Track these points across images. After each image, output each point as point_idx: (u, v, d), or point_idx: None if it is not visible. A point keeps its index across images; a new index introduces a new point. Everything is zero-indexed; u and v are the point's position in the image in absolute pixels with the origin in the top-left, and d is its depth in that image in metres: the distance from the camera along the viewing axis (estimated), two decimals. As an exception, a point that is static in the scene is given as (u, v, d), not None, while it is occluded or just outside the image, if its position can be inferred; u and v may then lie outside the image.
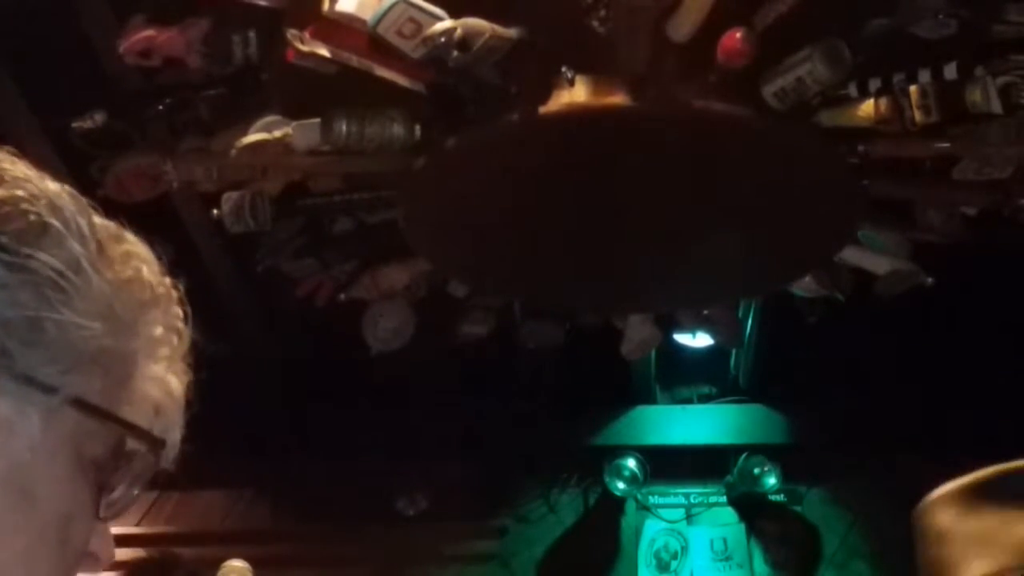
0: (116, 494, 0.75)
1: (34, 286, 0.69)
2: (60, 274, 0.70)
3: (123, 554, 4.75)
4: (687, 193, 3.02)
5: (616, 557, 4.78)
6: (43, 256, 0.70)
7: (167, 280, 0.80)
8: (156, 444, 0.76)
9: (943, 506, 0.99)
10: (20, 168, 0.74)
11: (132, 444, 0.75)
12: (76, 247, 0.72)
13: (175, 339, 0.80)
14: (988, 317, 4.23)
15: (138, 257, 0.78)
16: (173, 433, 0.80)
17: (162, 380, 0.78)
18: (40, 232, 0.71)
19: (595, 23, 2.59)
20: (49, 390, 0.70)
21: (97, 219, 0.76)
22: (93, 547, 0.76)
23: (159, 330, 0.78)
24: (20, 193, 0.72)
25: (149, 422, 0.77)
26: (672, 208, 3.07)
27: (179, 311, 0.81)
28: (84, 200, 0.76)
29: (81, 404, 0.71)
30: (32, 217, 0.71)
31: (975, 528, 0.96)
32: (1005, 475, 0.97)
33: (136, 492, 0.76)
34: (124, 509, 0.76)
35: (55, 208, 0.72)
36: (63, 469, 0.71)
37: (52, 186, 0.74)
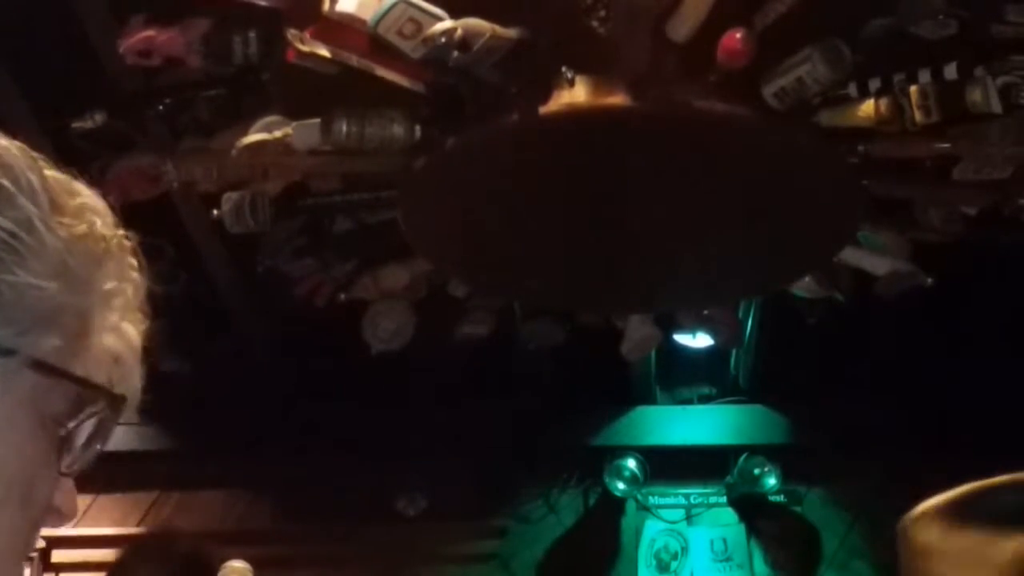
0: (77, 450, 0.75)
1: None
2: (12, 235, 0.70)
3: (123, 554, 4.75)
4: (687, 193, 3.01)
5: (616, 557, 4.78)
6: None
7: (120, 230, 0.79)
8: (115, 400, 0.76)
9: (927, 522, 0.98)
10: None
11: (90, 399, 0.74)
12: (28, 206, 0.71)
13: (130, 289, 0.79)
14: (988, 317, 4.23)
15: (91, 210, 0.77)
16: (132, 381, 0.79)
17: (118, 329, 0.78)
18: None
19: (595, 23, 2.59)
20: (6, 352, 0.69)
21: (49, 172, 0.75)
22: (56, 502, 0.76)
23: (113, 283, 0.77)
24: None
25: (108, 374, 0.76)
26: (672, 208, 3.07)
27: (133, 261, 0.80)
28: (35, 154, 0.75)
29: (39, 365, 0.71)
30: None
31: (959, 546, 0.95)
32: (990, 491, 0.96)
33: (99, 447, 0.76)
34: (86, 463, 0.76)
35: (5, 166, 0.72)
36: (24, 429, 0.71)
37: (1, 142, 0.74)
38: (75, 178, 0.78)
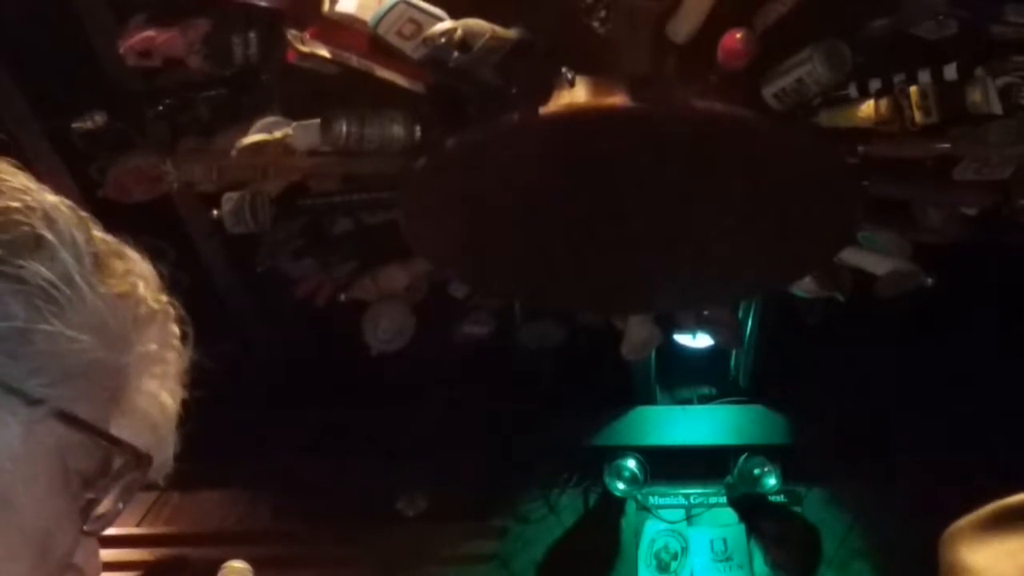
0: (102, 508, 0.75)
1: (25, 296, 0.69)
2: (52, 285, 0.70)
3: (124, 554, 4.76)
4: (687, 193, 3.02)
5: (616, 557, 4.78)
6: (35, 267, 0.70)
7: (164, 297, 0.80)
8: (143, 460, 0.75)
9: (955, 540, 0.98)
10: (20, 179, 0.74)
11: (119, 459, 0.74)
12: (69, 260, 0.72)
13: (171, 356, 0.79)
14: (988, 317, 4.23)
15: (136, 273, 0.78)
16: (165, 450, 0.80)
17: (155, 396, 0.78)
18: (34, 244, 0.71)
19: (595, 23, 2.59)
20: (33, 402, 0.69)
21: (97, 233, 0.76)
22: (78, 560, 0.75)
23: (153, 346, 0.77)
24: (15, 204, 0.71)
25: (143, 438, 0.77)
26: (672, 208, 3.07)
27: (176, 329, 0.80)
28: (84, 214, 0.76)
29: (66, 417, 0.71)
30: (26, 228, 0.71)
31: (976, 562, 0.95)
32: (1010, 509, 0.96)
33: (122, 507, 0.75)
34: (109, 523, 0.76)
35: (50, 220, 0.72)
36: (46, 481, 0.71)
37: (50, 198, 0.74)
38: (126, 244, 0.79)
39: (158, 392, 0.78)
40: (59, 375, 0.70)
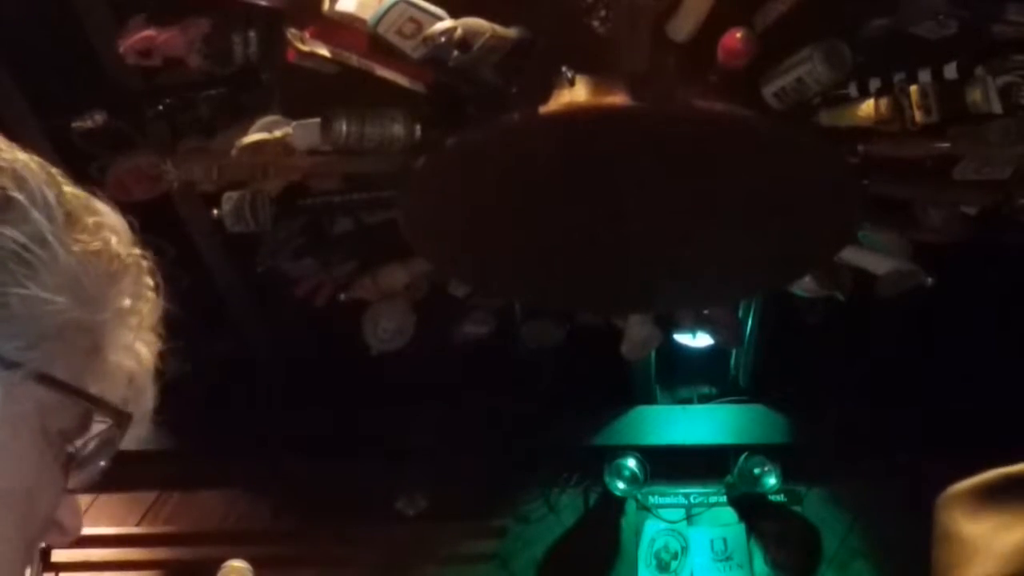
0: (83, 466, 0.75)
1: None
2: (25, 247, 0.69)
3: (124, 554, 4.76)
4: (687, 193, 3.02)
5: (616, 557, 4.78)
6: (7, 230, 0.69)
7: (137, 249, 0.79)
8: (122, 417, 0.76)
9: (951, 506, 0.97)
10: None
11: (99, 416, 0.74)
12: (42, 220, 0.71)
13: (145, 308, 0.79)
14: (988, 317, 4.23)
15: (109, 228, 0.77)
16: (144, 402, 0.80)
17: (131, 348, 0.78)
18: (4, 206, 0.70)
19: (595, 23, 2.59)
20: (11, 365, 0.69)
21: (68, 188, 0.75)
22: (60, 517, 0.75)
23: (127, 301, 0.77)
24: None
25: (121, 393, 0.76)
26: (672, 208, 3.07)
27: (149, 280, 0.79)
28: (54, 169, 0.75)
29: (45, 379, 0.71)
30: None
31: (972, 532, 0.94)
32: (1011, 478, 0.95)
33: (103, 463, 0.76)
34: (92, 480, 0.76)
35: (20, 180, 0.71)
36: (27, 441, 0.71)
37: (20, 156, 0.73)
38: (94, 195, 0.78)
39: (133, 345, 0.78)
40: (36, 338, 0.70)
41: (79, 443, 0.74)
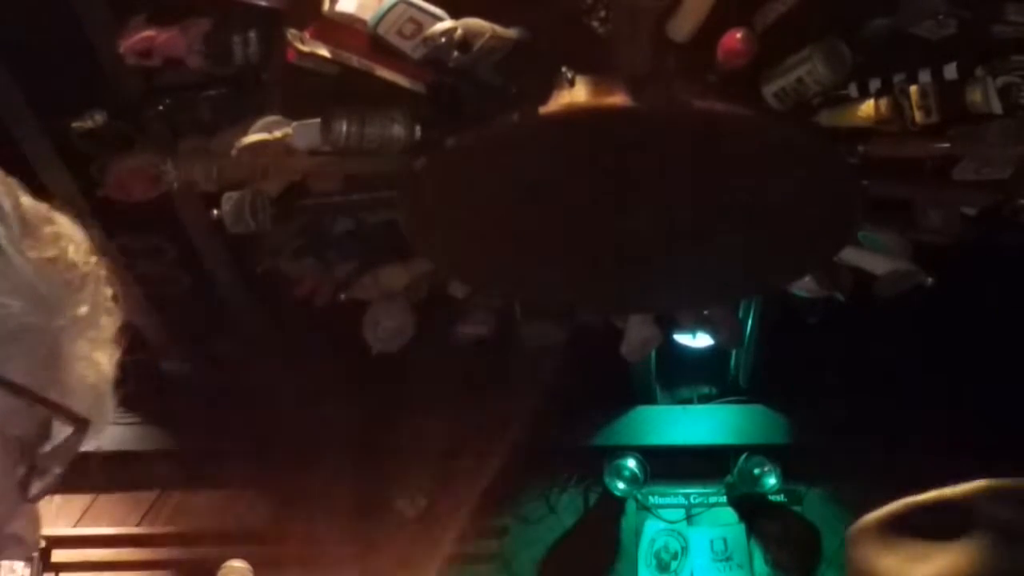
0: (42, 475, 0.74)
1: None
2: None
3: (124, 554, 4.76)
4: (687, 193, 3.02)
5: (616, 557, 4.78)
6: None
7: (95, 259, 0.78)
8: (81, 424, 0.74)
9: (861, 541, 0.95)
10: None
11: (57, 423, 0.73)
12: None
13: (104, 319, 0.78)
14: (988, 317, 4.23)
15: (66, 237, 0.76)
16: (103, 412, 0.78)
17: (90, 359, 0.77)
18: None
19: (595, 23, 2.59)
20: None
21: (26, 200, 0.75)
22: (18, 529, 0.74)
23: (85, 309, 0.76)
24: None
25: (80, 401, 0.75)
26: (672, 208, 3.07)
27: (108, 291, 0.79)
28: (11, 179, 0.75)
29: (1, 383, 0.70)
30: None
31: (885, 566, 0.92)
32: (919, 508, 0.93)
33: (60, 471, 0.74)
34: (50, 489, 0.75)
35: None
36: None
37: None
38: (56, 208, 0.78)
39: (92, 354, 0.77)
40: None
41: (42, 451, 0.73)
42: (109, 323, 0.79)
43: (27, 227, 0.73)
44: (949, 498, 0.87)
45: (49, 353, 0.73)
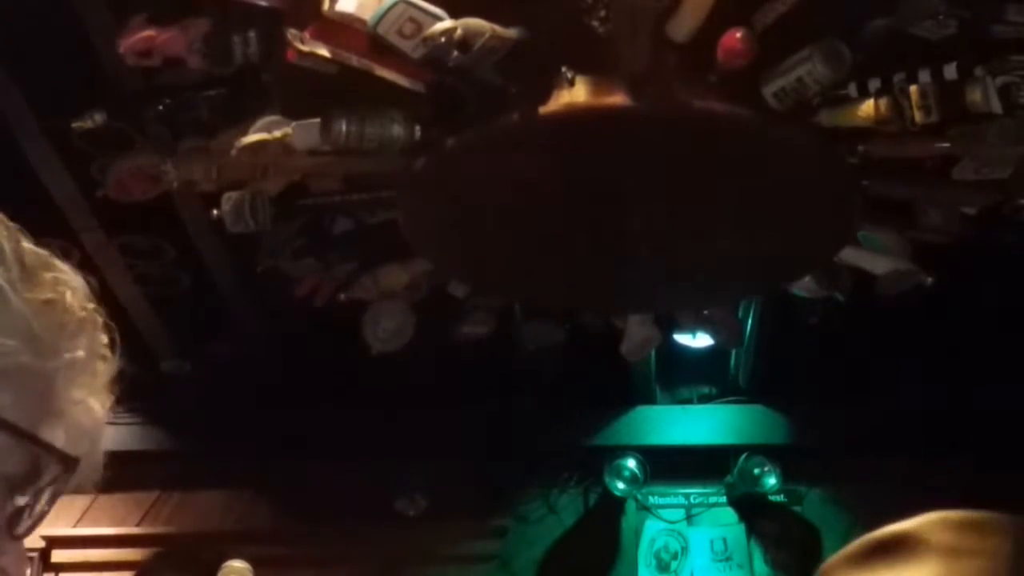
0: (30, 513, 0.74)
1: None
2: None
3: (124, 554, 4.76)
4: (687, 193, 3.02)
5: (616, 557, 4.78)
6: None
7: (92, 306, 0.79)
8: (70, 464, 0.75)
9: (834, 571, 0.99)
10: None
11: (47, 463, 0.74)
12: None
13: (99, 364, 0.79)
14: (988, 317, 4.23)
15: (64, 283, 0.78)
16: (95, 456, 0.79)
17: (84, 403, 0.78)
18: None
19: (595, 23, 2.59)
20: None
21: (27, 245, 0.77)
22: (4, 565, 0.74)
23: (81, 353, 0.77)
24: None
25: (72, 443, 0.76)
26: (672, 208, 3.07)
27: (103, 337, 0.80)
28: (12, 224, 0.76)
29: None
30: None
31: None
32: (879, 542, 0.96)
33: (48, 510, 0.75)
34: (35, 527, 0.75)
35: None
36: None
37: None
38: (58, 257, 0.79)
39: (86, 399, 0.78)
40: None
41: (32, 490, 0.73)
42: (104, 370, 0.80)
43: (26, 270, 0.75)
44: (905, 530, 0.94)
45: (42, 394, 0.74)
